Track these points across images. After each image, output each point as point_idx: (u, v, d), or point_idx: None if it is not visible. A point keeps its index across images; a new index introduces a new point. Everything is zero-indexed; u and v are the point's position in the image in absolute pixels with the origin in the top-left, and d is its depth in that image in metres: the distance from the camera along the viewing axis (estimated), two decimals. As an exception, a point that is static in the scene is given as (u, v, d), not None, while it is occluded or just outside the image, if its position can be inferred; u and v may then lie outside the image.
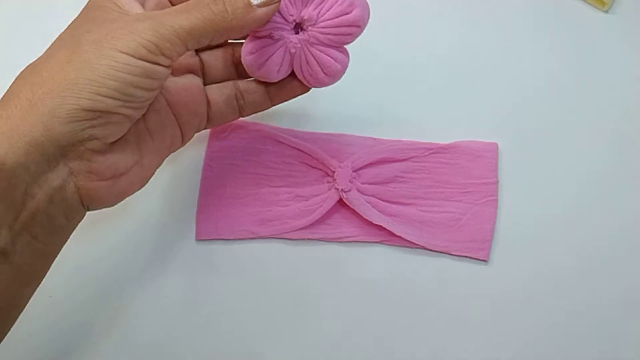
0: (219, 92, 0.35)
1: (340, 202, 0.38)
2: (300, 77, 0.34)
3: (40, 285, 0.30)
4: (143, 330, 0.36)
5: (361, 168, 0.39)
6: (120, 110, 0.28)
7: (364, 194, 0.38)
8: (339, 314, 0.36)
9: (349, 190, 0.38)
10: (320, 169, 0.39)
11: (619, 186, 0.39)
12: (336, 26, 0.32)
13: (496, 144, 0.40)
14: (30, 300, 0.30)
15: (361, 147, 0.40)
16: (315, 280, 0.37)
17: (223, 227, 0.38)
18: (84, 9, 0.31)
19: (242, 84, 0.36)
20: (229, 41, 0.36)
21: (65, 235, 0.30)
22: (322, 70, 0.33)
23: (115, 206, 0.32)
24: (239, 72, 0.36)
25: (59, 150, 0.27)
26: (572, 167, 0.40)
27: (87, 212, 0.31)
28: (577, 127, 0.41)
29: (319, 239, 0.38)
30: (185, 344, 0.36)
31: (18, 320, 0.30)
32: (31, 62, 0.29)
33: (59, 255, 0.31)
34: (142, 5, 0.31)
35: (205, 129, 0.36)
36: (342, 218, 0.38)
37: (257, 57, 0.33)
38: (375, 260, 0.38)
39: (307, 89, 0.36)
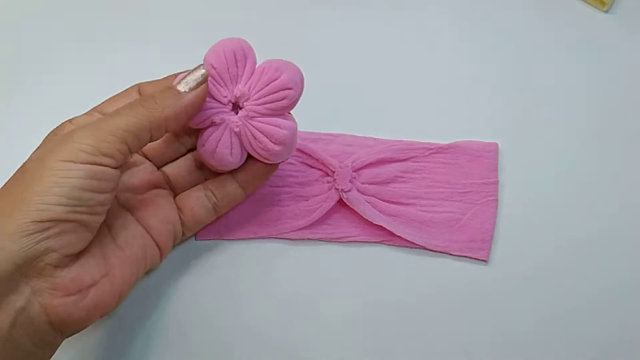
0: (188, 196, 0.36)
1: (340, 202, 0.38)
2: (253, 154, 0.34)
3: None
4: (141, 328, 0.36)
5: (361, 168, 0.39)
6: (70, 216, 0.28)
7: (364, 194, 0.38)
8: (339, 314, 0.36)
9: (349, 190, 0.38)
10: (321, 169, 0.39)
11: (620, 186, 0.39)
12: (269, 94, 0.33)
13: (496, 144, 0.40)
14: None
15: (361, 147, 0.40)
16: (315, 280, 0.37)
17: (223, 227, 0.38)
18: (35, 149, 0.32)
19: (211, 182, 0.36)
20: (189, 149, 0.37)
21: None
22: (270, 140, 0.33)
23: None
24: (205, 175, 0.37)
25: (17, 269, 0.27)
26: (572, 167, 0.40)
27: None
28: (577, 126, 0.41)
29: (319, 239, 0.38)
30: (184, 342, 0.36)
31: None
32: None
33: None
34: None
35: (185, 236, 0.36)
36: (342, 218, 0.38)
37: (207, 146, 0.34)
38: (375, 261, 0.38)
39: (273, 167, 0.36)
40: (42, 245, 0.27)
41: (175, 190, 0.37)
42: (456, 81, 0.42)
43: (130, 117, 0.30)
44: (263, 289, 0.37)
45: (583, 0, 0.45)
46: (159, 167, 0.37)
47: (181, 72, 0.34)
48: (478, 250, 0.37)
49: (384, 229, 0.37)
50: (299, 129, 0.40)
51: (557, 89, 0.42)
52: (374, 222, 0.37)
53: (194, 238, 0.38)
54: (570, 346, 0.35)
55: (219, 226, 0.38)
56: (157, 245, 0.34)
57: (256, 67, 0.34)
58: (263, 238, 0.38)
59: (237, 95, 0.34)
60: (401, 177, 0.39)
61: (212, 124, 0.34)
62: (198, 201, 0.36)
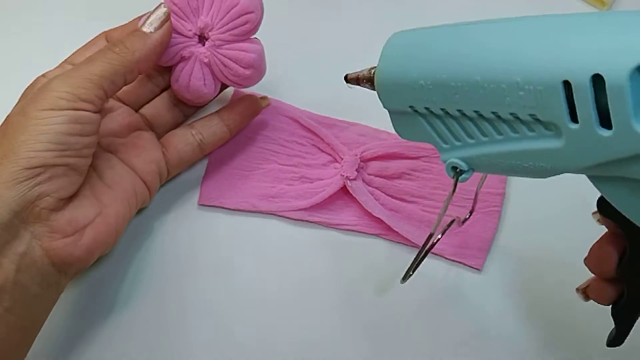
0: (173, 135, 0.37)
1: (344, 190, 0.38)
2: (226, 81, 0.36)
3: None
4: (135, 283, 0.37)
5: (370, 159, 0.39)
6: (58, 160, 0.29)
7: (369, 185, 0.38)
8: (328, 300, 0.37)
9: (354, 179, 0.38)
10: (330, 154, 0.39)
11: None
12: (231, 20, 0.34)
13: (509, 156, 0.39)
14: None
15: (374, 138, 0.40)
16: (308, 263, 0.37)
17: (226, 196, 0.39)
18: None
19: (197, 122, 0.38)
20: (163, 88, 0.38)
21: (42, 307, 0.31)
22: (240, 66, 0.35)
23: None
24: (183, 111, 0.39)
25: (15, 215, 0.28)
26: (578, 190, 0.39)
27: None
28: None
29: (317, 223, 0.38)
30: (168, 301, 0.36)
31: None
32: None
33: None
34: None
35: (171, 175, 0.38)
36: (344, 206, 0.39)
37: (181, 81, 0.36)
38: (370, 253, 0.38)
39: (258, 106, 0.38)
40: (35, 190, 0.29)
41: (156, 129, 0.38)
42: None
43: (104, 63, 0.31)
44: (256, 262, 0.37)
45: (583, 0, 0.44)
46: (136, 110, 0.37)
47: (144, 15, 0.35)
48: (473, 258, 0.37)
49: (383, 222, 0.37)
50: (319, 113, 0.41)
51: None
52: (374, 214, 0.37)
53: (196, 202, 0.39)
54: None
55: (222, 195, 0.39)
56: (145, 184, 0.35)
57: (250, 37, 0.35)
58: (262, 212, 0.39)
59: (201, 27, 0.35)
60: (408, 174, 0.39)
61: (182, 58, 0.35)
62: (183, 138, 0.37)
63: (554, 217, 0.38)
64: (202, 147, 0.37)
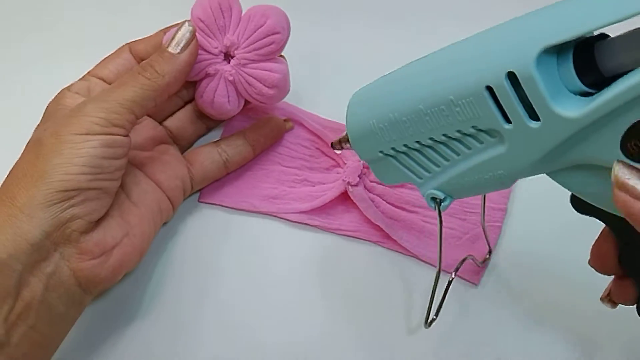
0: (199, 152, 0.38)
1: (345, 196, 0.38)
2: (249, 99, 0.36)
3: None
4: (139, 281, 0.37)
5: (373, 166, 0.39)
6: (92, 184, 0.30)
7: (370, 192, 0.38)
8: (324, 304, 0.36)
9: (356, 185, 0.38)
10: (333, 159, 0.39)
11: None
12: (257, 40, 0.35)
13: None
14: None
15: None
16: (305, 266, 0.37)
17: (227, 195, 0.39)
18: (40, 121, 0.33)
19: (222, 140, 0.38)
20: (187, 101, 0.39)
21: (64, 325, 0.31)
22: (264, 85, 0.35)
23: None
24: (206, 124, 0.39)
25: (46, 236, 0.29)
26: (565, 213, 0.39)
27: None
28: None
29: (316, 226, 0.38)
30: (171, 295, 0.37)
31: None
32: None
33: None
34: (88, 97, 0.34)
35: (194, 190, 0.38)
36: (344, 211, 0.39)
37: (205, 97, 0.36)
38: (368, 260, 0.38)
39: (282, 128, 0.39)
40: (68, 212, 0.29)
41: (179, 142, 0.38)
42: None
43: (136, 88, 0.31)
44: (249, 264, 0.37)
45: None
46: (160, 122, 0.38)
47: (169, 28, 0.35)
48: (471, 273, 0.37)
49: (382, 230, 0.37)
50: (325, 117, 0.41)
51: None
52: (373, 221, 0.37)
53: (196, 199, 0.39)
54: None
55: (224, 193, 0.39)
56: (169, 200, 0.36)
57: (242, 15, 0.35)
58: (263, 213, 0.39)
59: (227, 45, 0.35)
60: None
61: (207, 75, 0.35)
62: (209, 155, 0.37)
63: (554, 232, 0.38)
64: (227, 165, 0.38)
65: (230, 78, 0.35)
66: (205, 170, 0.37)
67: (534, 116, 0.24)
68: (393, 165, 0.30)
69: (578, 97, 0.23)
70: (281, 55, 0.37)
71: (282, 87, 0.36)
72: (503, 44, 0.24)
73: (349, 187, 0.38)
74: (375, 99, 0.29)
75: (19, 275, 0.28)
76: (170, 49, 0.33)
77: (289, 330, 0.36)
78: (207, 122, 0.39)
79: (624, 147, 0.22)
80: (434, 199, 0.29)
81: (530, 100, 0.23)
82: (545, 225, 0.38)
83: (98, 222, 0.31)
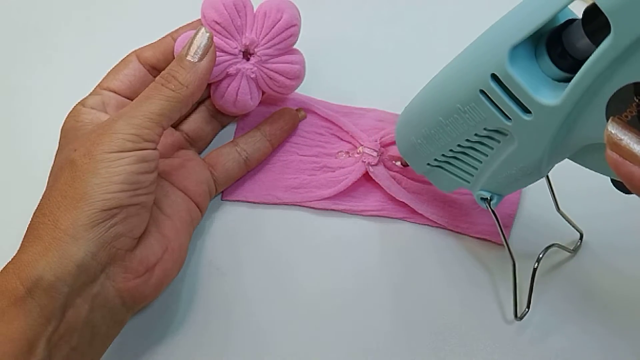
0: (219, 154, 0.38)
1: (366, 177, 0.39)
2: (270, 92, 0.37)
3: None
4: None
5: (390, 144, 0.39)
6: (133, 200, 0.30)
7: (390, 170, 0.39)
8: (356, 285, 0.37)
9: (376, 165, 0.38)
10: (350, 142, 0.40)
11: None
12: (277, 35, 0.35)
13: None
14: None
15: (392, 123, 0.40)
16: (336, 251, 0.38)
17: (249, 190, 0.39)
18: (60, 140, 0.33)
19: (240, 139, 0.38)
20: (199, 102, 0.39)
21: (104, 344, 0.31)
22: (287, 78, 0.36)
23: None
24: (221, 121, 0.40)
25: (92, 256, 0.29)
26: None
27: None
28: None
29: (342, 211, 0.39)
30: (198, 300, 0.37)
31: None
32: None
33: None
34: (104, 111, 0.34)
35: (218, 192, 0.38)
36: (367, 192, 0.39)
37: (227, 97, 0.36)
38: (396, 236, 0.38)
39: (296, 119, 0.39)
40: (112, 231, 0.29)
41: (196, 144, 0.39)
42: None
43: (162, 101, 0.31)
44: (283, 254, 0.38)
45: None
46: (175, 127, 0.38)
47: (178, 31, 0.35)
48: (498, 234, 0.38)
49: (407, 205, 0.38)
50: (334, 101, 0.41)
51: None
52: (397, 198, 0.38)
53: (219, 197, 0.39)
54: (579, 336, 0.36)
55: (246, 189, 0.39)
56: (197, 206, 0.36)
57: (254, 11, 0.35)
58: (287, 204, 0.39)
59: (247, 44, 0.35)
60: (428, 156, 0.39)
61: (227, 75, 0.35)
62: (230, 157, 0.38)
63: (574, 191, 0.39)
64: (248, 163, 0.38)
65: (252, 75, 0.36)
66: (228, 171, 0.38)
67: (526, 110, 0.26)
68: (442, 173, 0.34)
69: (563, 84, 0.25)
70: None
71: (302, 76, 0.37)
72: (484, 50, 0.27)
73: (370, 167, 0.38)
74: (410, 119, 0.33)
75: (65, 297, 0.28)
76: (189, 57, 0.32)
77: (333, 312, 0.36)
78: (222, 119, 0.40)
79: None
80: (483, 199, 0.33)
81: (516, 96, 0.26)
82: (566, 182, 0.39)
83: (140, 240, 0.31)
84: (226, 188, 0.39)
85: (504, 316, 0.36)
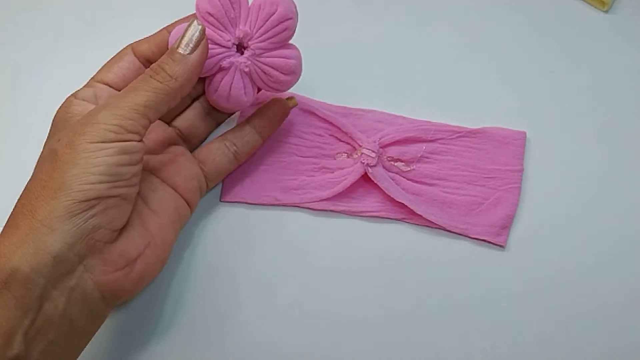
0: (208, 149, 0.37)
1: (365, 178, 0.39)
2: (264, 88, 0.36)
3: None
4: (159, 289, 0.37)
5: (388, 145, 0.39)
6: (112, 192, 0.29)
7: (389, 171, 0.39)
8: (354, 287, 0.37)
9: (375, 166, 0.38)
10: (348, 143, 0.40)
11: (622, 187, 0.39)
12: (271, 28, 0.34)
13: (524, 133, 0.40)
14: None
15: (390, 124, 0.40)
16: (334, 252, 0.38)
17: (248, 191, 0.39)
18: (49, 131, 0.33)
19: (229, 133, 0.37)
20: (194, 98, 0.38)
21: (84, 339, 0.31)
22: (281, 73, 0.35)
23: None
24: (216, 118, 0.39)
25: (69, 248, 0.28)
26: (581, 165, 0.40)
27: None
28: (577, 125, 0.41)
29: (340, 212, 0.39)
30: (198, 305, 0.37)
31: None
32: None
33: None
34: (96, 104, 0.33)
35: (209, 188, 0.37)
36: (366, 193, 0.39)
37: (220, 91, 0.35)
38: (395, 237, 0.38)
39: (287, 109, 0.38)
40: (90, 223, 0.29)
41: (189, 141, 0.38)
42: (487, 70, 0.43)
43: (148, 93, 0.31)
44: (281, 255, 0.38)
45: (583, 0, 0.45)
46: (169, 123, 0.38)
47: (174, 24, 0.35)
48: (496, 235, 0.38)
49: (406, 206, 0.38)
50: (332, 102, 0.41)
51: (556, 89, 0.42)
52: (396, 199, 0.38)
53: (217, 199, 0.39)
54: (580, 342, 0.36)
55: (244, 190, 0.39)
56: (187, 202, 0.35)
57: (249, 4, 0.34)
58: (285, 205, 0.39)
59: (240, 37, 0.34)
60: (427, 157, 0.39)
61: (221, 69, 0.35)
62: (219, 152, 0.37)
63: (572, 191, 0.39)
64: (238, 158, 0.37)
65: (246, 69, 0.35)
66: (218, 166, 0.37)
67: None
68: None
69: None
70: None
71: (298, 72, 0.36)
72: None
73: (368, 168, 0.38)
74: None
75: (41, 289, 0.27)
76: (180, 50, 0.32)
77: (330, 313, 0.36)
78: (217, 116, 0.39)
79: None
80: None
81: None
82: (563, 182, 0.39)
83: (121, 233, 0.31)
84: (224, 190, 0.39)
85: (504, 316, 0.36)
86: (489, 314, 0.36)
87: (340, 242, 0.38)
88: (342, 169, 0.39)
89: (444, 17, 0.45)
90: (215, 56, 0.34)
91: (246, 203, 0.39)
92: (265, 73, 0.35)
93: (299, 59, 0.36)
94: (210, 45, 0.34)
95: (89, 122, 0.30)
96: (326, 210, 0.39)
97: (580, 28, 0.44)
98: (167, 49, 0.34)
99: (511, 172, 0.39)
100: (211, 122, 0.39)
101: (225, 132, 0.38)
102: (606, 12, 0.45)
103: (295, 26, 0.35)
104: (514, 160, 0.39)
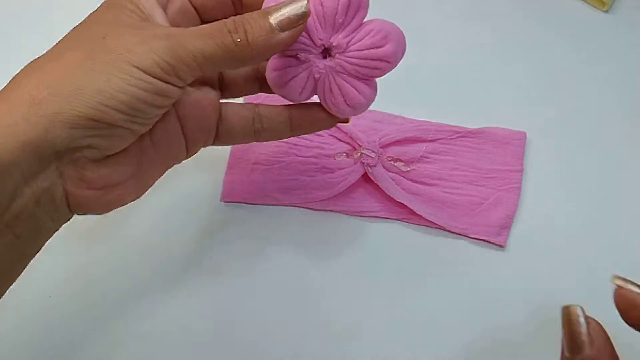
0: (234, 112, 0.33)
1: (365, 177, 0.39)
2: (322, 102, 0.32)
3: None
4: (157, 286, 0.37)
5: (388, 145, 0.39)
6: (126, 124, 0.27)
7: (389, 171, 0.39)
8: (354, 286, 0.37)
9: (375, 166, 0.38)
10: (348, 143, 0.40)
11: (622, 187, 0.39)
12: (365, 58, 0.30)
13: (524, 133, 0.40)
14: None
15: (390, 124, 0.40)
16: (334, 252, 0.38)
17: (248, 191, 0.39)
18: (102, 4, 0.29)
19: (263, 109, 0.33)
20: None
21: (47, 236, 0.29)
22: (345, 101, 0.31)
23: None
24: (262, 87, 0.35)
25: (55, 153, 0.26)
26: (583, 164, 0.40)
27: None
28: (577, 125, 0.41)
29: (340, 212, 0.39)
30: (199, 303, 0.37)
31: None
32: (37, 56, 0.28)
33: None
34: (164, 9, 0.30)
35: (213, 145, 0.34)
36: (366, 193, 0.39)
37: (280, 75, 0.31)
38: (394, 237, 0.38)
39: (331, 124, 0.34)
40: (87, 141, 0.26)
41: (224, 90, 0.34)
42: (486, 71, 0.43)
43: (218, 49, 0.27)
44: (280, 255, 0.38)
45: (583, 0, 0.45)
46: None
47: None
48: (496, 235, 0.38)
49: (406, 206, 0.38)
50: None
51: (556, 88, 0.42)
52: (396, 199, 0.38)
53: (219, 199, 0.39)
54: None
55: (245, 190, 0.39)
56: (187, 146, 0.32)
57: (364, 21, 0.30)
58: (286, 205, 0.39)
59: (333, 44, 0.30)
60: (427, 157, 0.39)
61: (295, 56, 0.31)
62: (243, 121, 0.33)
63: (572, 191, 0.39)
64: (257, 136, 0.34)
65: (317, 75, 0.31)
66: (234, 133, 0.33)
67: None
68: None
69: None
70: None
71: (359, 109, 0.32)
72: None
73: (368, 168, 0.38)
74: None
75: (15, 185, 0.25)
76: (272, 20, 0.28)
77: (329, 311, 0.36)
78: (263, 87, 0.34)
79: None
80: None
81: None
82: (563, 182, 0.39)
83: (111, 156, 0.28)
84: (225, 190, 0.39)
85: (504, 316, 0.36)
86: (489, 313, 0.36)
87: (341, 242, 0.38)
88: (342, 169, 0.39)
89: (443, 18, 0.45)
90: (299, 43, 0.30)
91: (246, 203, 0.39)
92: (331, 91, 0.31)
93: (370, 100, 0.32)
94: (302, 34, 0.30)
95: (144, 42, 0.26)
96: (326, 210, 0.39)
97: (580, 28, 0.44)
98: (227, 4, 0.31)
99: (511, 172, 0.39)
100: (254, 87, 0.35)
101: (261, 104, 0.33)
102: (606, 12, 0.45)
103: (390, 70, 0.31)
104: (514, 160, 0.39)
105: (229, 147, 0.40)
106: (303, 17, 0.28)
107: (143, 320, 0.36)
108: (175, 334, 0.36)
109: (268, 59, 0.31)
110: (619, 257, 0.38)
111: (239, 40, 0.27)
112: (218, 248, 0.38)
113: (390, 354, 0.35)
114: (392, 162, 0.39)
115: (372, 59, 0.30)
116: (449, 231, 0.38)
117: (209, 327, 0.36)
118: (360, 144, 0.39)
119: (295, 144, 0.40)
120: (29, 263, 0.29)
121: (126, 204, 0.30)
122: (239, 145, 0.40)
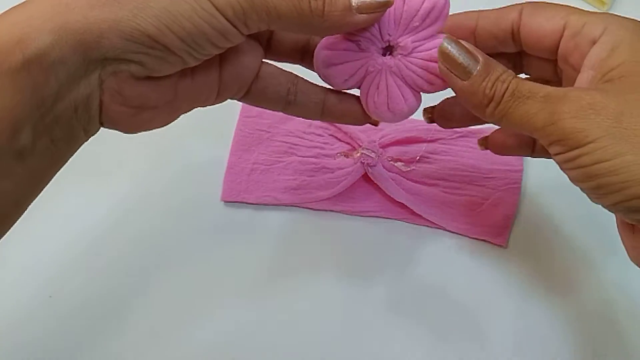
0: (273, 75, 0.32)
1: (365, 178, 0.39)
2: (362, 98, 0.30)
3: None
4: (160, 281, 0.37)
5: (388, 145, 0.39)
6: (181, 52, 0.26)
7: (389, 171, 0.39)
8: (354, 286, 0.37)
9: (375, 166, 0.38)
10: (348, 143, 0.40)
11: None
12: (425, 69, 0.29)
13: (524, 133, 0.40)
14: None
15: (390, 124, 0.40)
16: (335, 252, 0.38)
17: (249, 191, 0.39)
18: None
19: (302, 83, 0.32)
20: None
21: (77, 147, 0.28)
22: (387, 103, 0.30)
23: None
24: (303, 59, 0.33)
25: (102, 60, 0.25)
26: None
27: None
28: None
29: (340, 212, 0.39)
30: (198, 300, 0.37)
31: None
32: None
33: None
34: None
35: (241, 100, 0.32)
36: (366, 193, 0.39)
37: (333, 55, 0.29)
38: (395, 238, 0.38)
39: (361, 122, 0.32)
40: (138, 56, 0.26)
41: (266, 49, 0.32)
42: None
43: (292, 11, 0.27)
44: (280, 256, 0.38)
45: (583, 0, 0.45)
46: None
47: None
48: (497, 235, 0.38)
49: (406, 206, 0.38)
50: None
51: None
52: (396, 199, 0.38)
53: (219, 199, 0.39)
54: (582, 337, 0.36)
55: (245, 190, 0.39)
56: (218, 94, 0.31)
57: (437, 34, 0.29)
58: (286, 205, 0.39)
59: (400, 44, 0.29)
60: (427, 157, 0.39)
61: (356, 42, 0.29)
62: (277, 87, 0.32)
63: (572, 191, 0.39)
64: (286, 107, 0.32)
65: (372, 69, 0.29)
66: (265, 95, 0.32)
67: None
68: None
69: None
70: None
71: (398, 118, 0.30)
72: None
73: (368, 168, 0.38)
74: None
75: (59, 86, 0.25)
76: (354, 1, 0.27)
77: (330, 312, 0.36)
78: (305, 60, 0.33)
79: None
80: None
81: None
82: (563, 182, 0.39)
83: (153, 79, 0.27)
84: (226, 190, 0.39)
85: (503, 317, 0.36)
86: (489, 313, 0.36)
87: (341, 242, 0.38)
88: (342, 169, 0.39)
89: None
90: (367, 30, 0.29)
91: (246, 203, 0.39)
92: (377, 89, 0.30)
93: (412, 111, 0.30)
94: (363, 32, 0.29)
95: None
96: (326, 210, 0.39)
97: (581, 28, 0.44)
98: None
99: (511, 172, 0.39)
100: (296, 57, 0.33)
101: (302, 78, 0.32)
102: (606, 11, 0.45)
103: (438, 91, 0.30)
104: (514, 160, 0.39)
105: (228, 147, 0.40)
106: (384, 5, 0.27)
107: (143, 320, 0.36)
108: (176, 334, 0.36)
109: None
110: (619, 257, 0.37)
111: (314, 8, 0.27)
112: (217, 247, 0.38)
113: (390, 354, 0.35)
114: (392, 162, 0.39)
115: (432, 73, 0.29)
116: (449, 231, 0.38)
117: (208, 326, 0.36)
118: (360, 144, 0.39)
119: (295, 144, 0.40)
120: (55, 174, 0.28)
121: (152, 129, 0.30)
122: (239, 145, 0.40)
